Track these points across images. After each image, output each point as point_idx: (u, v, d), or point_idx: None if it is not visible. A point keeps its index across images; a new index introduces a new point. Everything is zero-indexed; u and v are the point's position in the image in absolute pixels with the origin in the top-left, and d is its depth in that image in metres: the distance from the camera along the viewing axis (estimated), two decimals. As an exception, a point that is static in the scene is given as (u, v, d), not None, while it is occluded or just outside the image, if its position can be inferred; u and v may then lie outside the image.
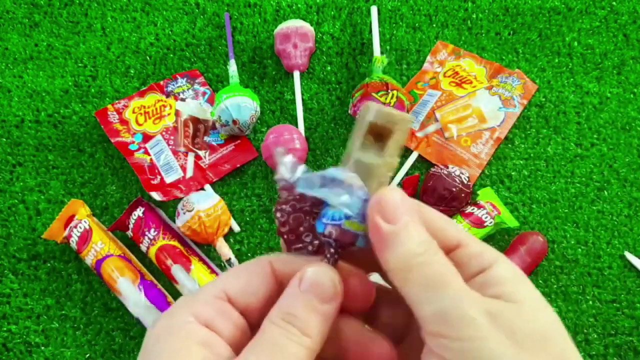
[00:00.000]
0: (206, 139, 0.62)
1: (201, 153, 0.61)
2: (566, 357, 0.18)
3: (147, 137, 0.62)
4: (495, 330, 0.17)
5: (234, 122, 0.58)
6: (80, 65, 0.66)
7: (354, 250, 0.22)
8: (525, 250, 0.54)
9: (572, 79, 0.65)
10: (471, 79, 0.64)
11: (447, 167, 0.56)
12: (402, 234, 0.19)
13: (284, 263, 0.22)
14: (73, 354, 0.53)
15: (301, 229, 0.22)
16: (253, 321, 0.21)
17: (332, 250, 0.21)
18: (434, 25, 0.68)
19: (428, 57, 0.67)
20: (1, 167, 0.61)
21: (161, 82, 0.65)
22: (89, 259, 0.53)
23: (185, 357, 0.18)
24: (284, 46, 0.64)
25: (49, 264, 0.56)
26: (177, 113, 0.61)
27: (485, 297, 0.19)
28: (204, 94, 0.64)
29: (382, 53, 0.65)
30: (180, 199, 0.57)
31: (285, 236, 0.22)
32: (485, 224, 0.54)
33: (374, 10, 0.66)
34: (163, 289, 0.53)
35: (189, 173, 0.60)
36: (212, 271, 0.55)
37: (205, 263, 0.55)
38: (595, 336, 0.53)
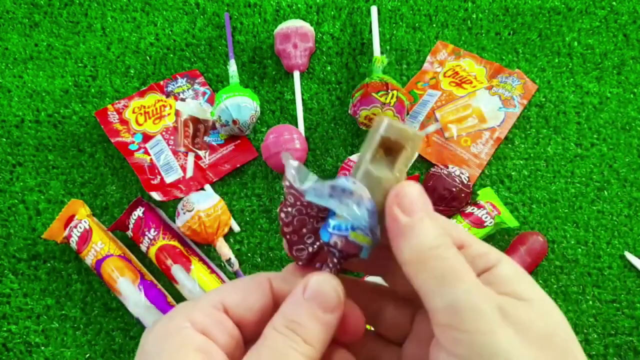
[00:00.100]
0: (206, 139, 0.62)
1: (201, 153, 0.61)
2: (573, 356, 0.18)
3: (147, 137, 0.62)
4: (505, 325, 0.18)
5: (234, 122, 0.58)
6: (80, 65, 0.66)
7: (355, 261, 0.22)
8: (525, 250, 0.54)
9: (572, 79, 0.65)
10: (471, 79, 0.64)
11: (447, 167, 0.56)
12: (418, 226, 0.20)
13: (282, 281, 0.22)
14: (73, 354, 0.53)
15: (304, 230, 0.22)
16: (246, 335, 0.21)
17: (334, 260, 0.21)
18: (434, 25, 0.68)
19: (428, 57, 0.67)
20: (1, 167, 0.61)
21: (161, 82, 0.65)
22: (89, 259, 0.53)
23: (183, 359, 0.19)
24: (284, 46, 0.64)
25: (49, 264, 0.56)
26: (177, 113, 0.61)
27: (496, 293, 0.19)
28: (204, 94, 0.64)
29: (382, 53, 0.65)
30: (180, 199, 0.57)
31: (287, 236, 0.22)
32: (485, 224, 0.54)
33: (374, 10, 0.66)
34: (163, 289, 0.53)
35: (189, 173, 0.60)
36: (212, 271, 0.55)
37: (205, 263, 0.55)
38: (595, 336, 0.53)
